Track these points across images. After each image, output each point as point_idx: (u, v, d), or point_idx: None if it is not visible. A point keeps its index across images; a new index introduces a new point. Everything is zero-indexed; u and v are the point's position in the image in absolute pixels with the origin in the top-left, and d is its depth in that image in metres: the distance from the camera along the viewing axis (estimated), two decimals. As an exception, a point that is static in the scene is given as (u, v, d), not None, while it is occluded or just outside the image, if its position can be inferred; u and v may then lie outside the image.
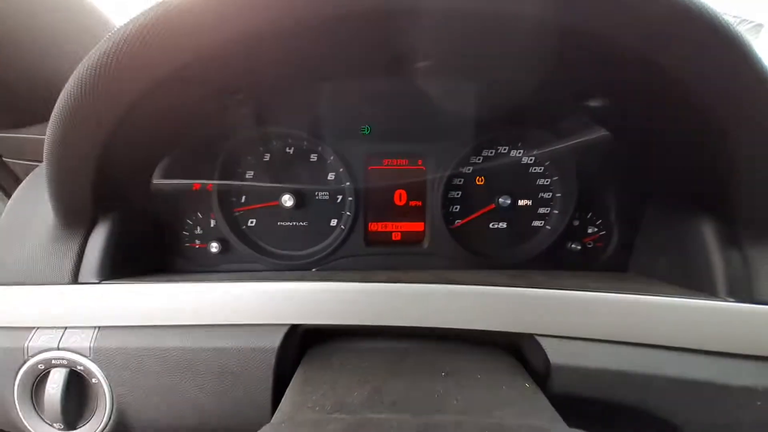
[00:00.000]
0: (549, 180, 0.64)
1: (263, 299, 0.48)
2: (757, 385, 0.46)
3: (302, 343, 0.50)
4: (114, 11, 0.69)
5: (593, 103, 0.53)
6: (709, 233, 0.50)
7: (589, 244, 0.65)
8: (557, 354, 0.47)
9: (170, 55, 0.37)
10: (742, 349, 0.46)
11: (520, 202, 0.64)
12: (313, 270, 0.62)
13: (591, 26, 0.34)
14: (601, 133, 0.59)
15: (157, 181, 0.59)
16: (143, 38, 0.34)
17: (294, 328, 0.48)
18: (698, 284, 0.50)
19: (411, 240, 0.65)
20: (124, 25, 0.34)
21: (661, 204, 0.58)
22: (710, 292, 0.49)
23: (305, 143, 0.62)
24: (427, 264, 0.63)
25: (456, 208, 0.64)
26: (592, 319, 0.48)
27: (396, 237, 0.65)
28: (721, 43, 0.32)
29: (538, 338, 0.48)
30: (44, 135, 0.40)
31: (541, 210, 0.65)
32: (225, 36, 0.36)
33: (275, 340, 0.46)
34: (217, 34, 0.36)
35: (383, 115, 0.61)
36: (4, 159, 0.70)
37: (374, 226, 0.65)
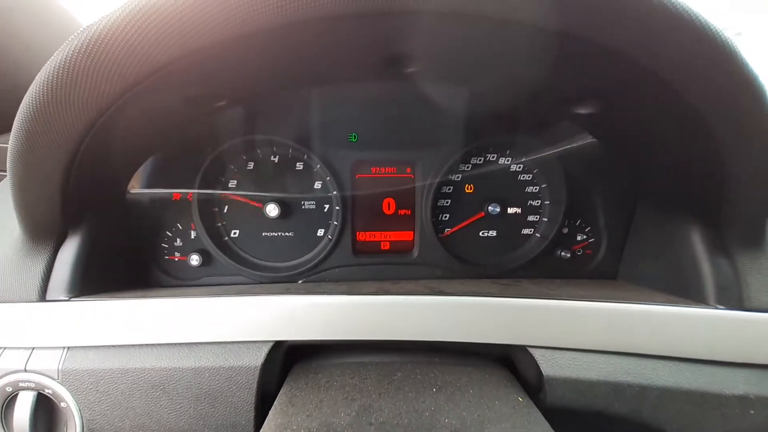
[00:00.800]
0: (538, 187, 0.63)
1: (244, 314, 0.46)
2: (750, 394, 0.45)
3: (287, 360, 0.48)
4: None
5: (582, 110, 0.52)
6: (697, 240, 0.50)
7: (579, 251, 0.64)
8: (550, 365, 0.47)
9: (145, 57, 0.34)
10: (734, 357, 0.46)
11: (510, 210, 0.63)
12: (300, 282, 0.60)
13: (583, 31, 0.33)
14: (588, 140, 0.59)
15: (133, 190, 0.57)
16: (115, 38, 0.32)
17: (278, 344, 0.46)
18: (688, 292, 0.50)
19: (400, 249, 0.63)
20: (94, 22, 0.32)
21: (649, 211, 0.58)
22: (700, 300, 0.48)
23: (291, 151, 0.61)
24: (417, 273, 0.62)
25: (445, 217, 0.63)
26: (584, 330, 0.47)
27: (385, 246, 0.64)
28: (712, 49, 0.32)
29: (531, 350, 0.47)
30: (9, 144, 0.38)
31: (531, 218, 0.64)
32: (210, 36, 0.34)
33: (258, 358, 0.44)
34: (201, 34, 0.34)
35: (371, 122, 0.60)
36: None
37: (362, 236, 0.63)
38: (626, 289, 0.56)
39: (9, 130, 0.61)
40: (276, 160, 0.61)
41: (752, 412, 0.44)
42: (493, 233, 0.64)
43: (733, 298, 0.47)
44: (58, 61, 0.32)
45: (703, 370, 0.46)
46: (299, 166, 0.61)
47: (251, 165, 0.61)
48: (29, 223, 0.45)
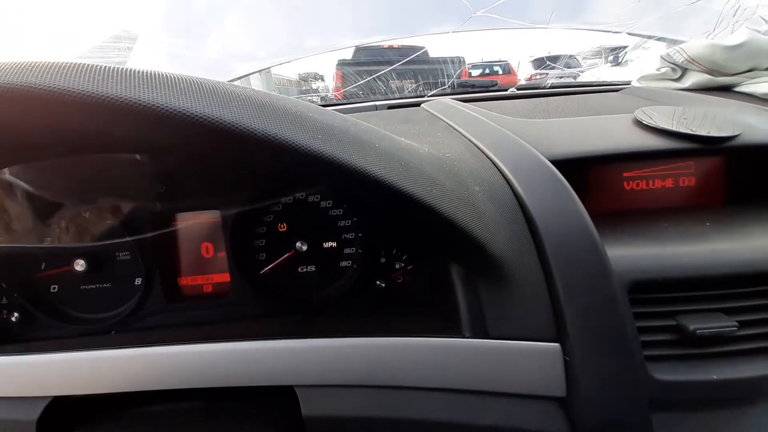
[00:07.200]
0: (350, 221, 0.65)
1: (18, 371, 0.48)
2: (500, 424, 0.47)
3: (71, 419, 0.50)
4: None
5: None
6: (455, 274, 0.52)
7: (399, 279, 0.66)
8: (311, 405, 0.48)
9: None
10: (481, 386, 0.48)
11: (325, 245, 0.65)
12: (113, 333, 0.62)
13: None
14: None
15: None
16: None
17: (58, 400, 0.48)
18: (453, 324, 0.52)
19: (219, 292, 0.65)
20: None
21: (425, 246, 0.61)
22: (457, 331, 0.50)
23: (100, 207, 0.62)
24: (235, 314, 0.63)
25: (262, 256, 0.65)
26: (340, 365, 0.49)
27: (206, 289, 0.65)
28: None
29: (297, 390, 0.49)
30: None
31: (347, 250, 0.66)
32: None
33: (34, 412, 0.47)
34: None
35: (177, 174, 0.62)
36: None
37: (183, 281, 0.65)
38: (413, 319, 0.57)
39: None
40: (87, 215, 0.63)
41: None
42: (311, 268, 0.66)
43: (480, 328, 0.48)
44: None
45: (456, 399, 0.48)
46: (108, 218, 0.63)
47: (62, 222, 0.63)
48: None
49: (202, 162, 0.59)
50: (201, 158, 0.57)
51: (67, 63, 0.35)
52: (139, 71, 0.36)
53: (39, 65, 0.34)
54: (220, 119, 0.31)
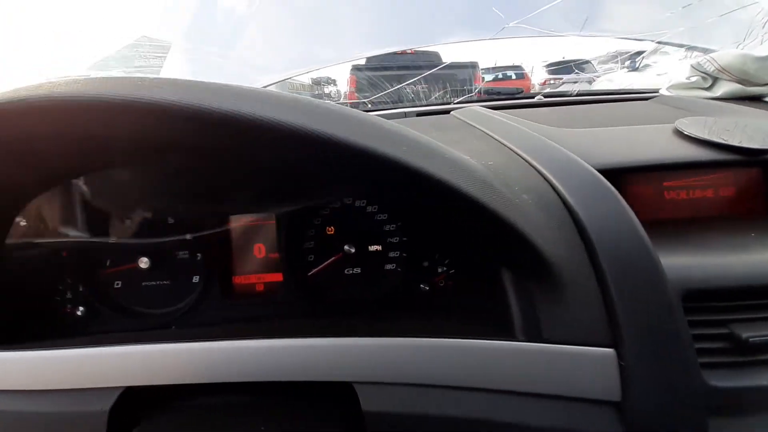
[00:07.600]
0: (395, 225, 0.68)
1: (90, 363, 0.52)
2: (556, 426, 0.48)
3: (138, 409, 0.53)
4: None
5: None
6: (507, 280, 0.54)
7: (441, 282, 0.68)
8: (370, 401, 0.50)
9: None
10: (539, 389, 0.49)
11: (371, 248, 0.68)
12: (173, 328, 0.65)
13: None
14: None
15: (10, 241, 0.62)
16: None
17: (128, 391, 0.51)
18: (505, 327, 0.54)
19: (271, 291, 0.68)
20: None
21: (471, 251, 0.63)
22: (511, 334, 0.52)
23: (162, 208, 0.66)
24: (284, 313, 0.66)
25: (311, 258, 0.68)
26: (400, 364, 0.51)
27: (258, 288, 0.68)
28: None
29: (356, 386, 0.51)
30: None
31: (392, 254, 0.68)
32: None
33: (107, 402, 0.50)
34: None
35: (232, 178, 0.65)
36: None
37: (237, 279, 0.68)
38: (463, 322, 0.59)
39: None
40: (150, 215, 0.66)
41: None
42: (357, 270, 0.68)
43: (534, 331, 0.50)
44: None
45: (512, 400, 0.50)
46: (170, 220, 0.66)
47: (128, 222, 0.66)
48: None
49: (261, 168, 0.62)
50: (261, 165, 0.60)
51: (166, 78, 0.38)
52: (229, 86, 0.39)
53: (145, 81, 0.37)
54: (326, 134, 0.34)
